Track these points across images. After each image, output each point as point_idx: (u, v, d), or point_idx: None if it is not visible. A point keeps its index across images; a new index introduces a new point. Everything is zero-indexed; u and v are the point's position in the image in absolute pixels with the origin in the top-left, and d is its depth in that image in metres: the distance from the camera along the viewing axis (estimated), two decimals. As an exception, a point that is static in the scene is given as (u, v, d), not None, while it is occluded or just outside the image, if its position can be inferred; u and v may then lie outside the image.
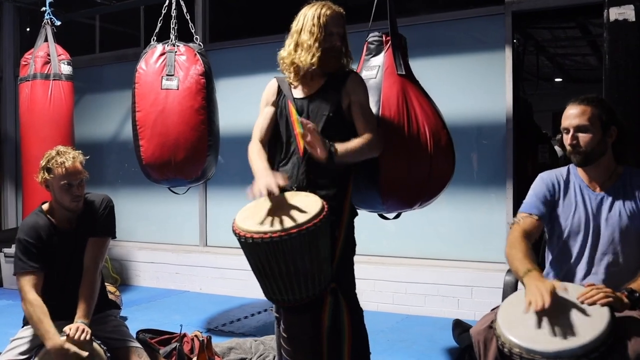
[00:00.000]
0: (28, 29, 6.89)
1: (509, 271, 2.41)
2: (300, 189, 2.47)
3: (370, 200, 2.80)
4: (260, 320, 4.49)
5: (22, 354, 2.44)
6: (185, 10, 4.02)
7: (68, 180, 2.49)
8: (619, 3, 2.74)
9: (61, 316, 2.43)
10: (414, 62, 3.01)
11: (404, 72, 2.86)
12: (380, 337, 3.94)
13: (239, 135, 4.87)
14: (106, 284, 2.83)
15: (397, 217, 3.02)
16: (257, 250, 2.25)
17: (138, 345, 2.59)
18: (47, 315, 2.39)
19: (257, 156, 2.52)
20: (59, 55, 4.56)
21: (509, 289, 2.42)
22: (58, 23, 4.61)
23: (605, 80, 2.80)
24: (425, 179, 2.79)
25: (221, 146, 4.00)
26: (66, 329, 2.35)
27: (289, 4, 2.76)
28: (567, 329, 1.82)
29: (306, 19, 2.54)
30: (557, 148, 5.95)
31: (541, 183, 2.31)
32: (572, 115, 2.18)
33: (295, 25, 2.58)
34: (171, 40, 3.86)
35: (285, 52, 2.59)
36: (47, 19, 4.57)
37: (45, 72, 4.51)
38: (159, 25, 4.01)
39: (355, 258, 2.61)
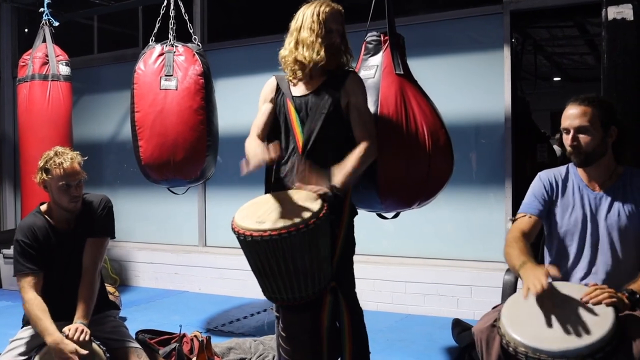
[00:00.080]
0: (26, 30, 6.88)
1: (508, 270, 2.41)
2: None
3: (369, 200, 2.80)
4: (259, 321, 4.49)
5: (21, 354, 2.44)
6: (183, 11, 4.01)
7: (66, 181, 2.49)
8: (617, 2, 2.74)
9: (60, 317, 2.43)
10: (412, 61, 3.01)
11: (402, 72, 2.87)
12: (380, 336, 3.94)
13: (238, 135, 4.83)
14: (105, 284, 2.83)
15: (395, 216, 3.02)
16: (256, 248, 2.25)
17: (137, 345, 2.59)
18: (46, 313, 2.39)
19: (253, 143, 2.53)
20: (57, 55, 4.56)
21: (508, 288, 2.42)
22: (56, 24, 4.60)
23: (603, 79, 2.80)
24: (423, 179, 2.79)
25: (220, 146, 4.00)
26: (65, 329, 2.35)
27: (288, 4, 2.76)
28: (573, 329, 1.82)
29: (305, 16, 2.55)
30: (555, 147, 5.95)
31: (539, 183, 2.32)
32: (573, 115, 2.17)
33: (295, 24, 2.58)
34: (170, 41, 3.86)
35: (286, 51, 2.60)
36: (45, 19, 4.56)
37: (44, 72, 4.50)
38: (157, 25, 4.00)
39: (355, 257, 2.61)
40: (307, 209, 2.25)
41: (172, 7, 3.98)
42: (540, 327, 1.87)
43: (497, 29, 4.45)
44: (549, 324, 1.87)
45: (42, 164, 2.53)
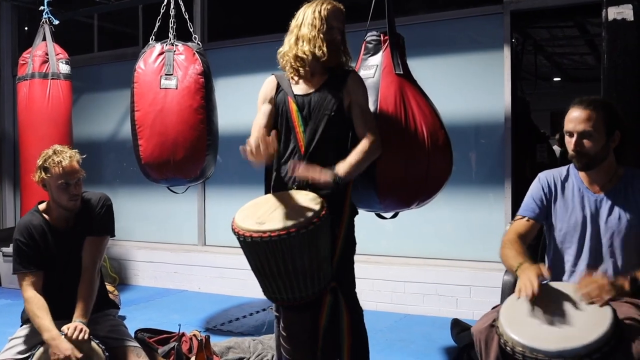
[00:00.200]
0: (26, 28, 6.88)
1: (507, 271, 2.41)
2: (300, 187, 2.47)
3: (368, 200, 2.80)
4: (258, 320, 4.49)
5: (20, 353, 2.44)
6: (183, 10, 4.01)
7: (65, 180, 2.49)
8: (617, 2, 2.74)
9: (60, 315, 2.43)
10: (411, 61, 3.01)
11: (401, 72, 2.87)
12: (379, 336, 3.94)
13: (238, 134, 4.85)
14: (105, 283, 2.83)
15: (394, 216, 3.02)
16: (256, 249, 2.25)
17: (136, 344, 2.58)
18: (44, 310, 2.40)
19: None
20: (57, 54, 4.55)
21: (508, 288, 2.42)
22: (56, 22, 4.60)
23: (603, 79, 2.80)
24: (422, 179, 2.79)
25: (220, 145, 3.99)
26: (64, 328, 2.35)
27: (288, 3, 2.76)
28: (571, 329, 1.83)
29: (306, 14, 2.56)
30: (555, 147, 5.95)
31: (538, 184, 2.32)
32: (577, 119, 2.14)
33: (295, 22, 2.59)
34: (170, 40, 3.85)
35: (286, 47, 2.60)
36: (45, 17, 4.56)
37: (44, 71, 4.50)
38: (157, 24, 4.00)
39: (355, 257, 2.61)
40: (307, 210, 2.26)
41: (172, 6, 3.97)
42: (538, 327, 1.87)
43: (497, 29, 4.45)
44: (547, 323, 1.87)
45: (40, 163, 2.52)
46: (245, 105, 4.57)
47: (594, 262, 2.18)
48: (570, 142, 2.18)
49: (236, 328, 4.26)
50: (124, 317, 4.06)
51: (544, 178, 2.32)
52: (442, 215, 4.59)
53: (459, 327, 3.65)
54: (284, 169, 2.54)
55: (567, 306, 1.92)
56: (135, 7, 5.88)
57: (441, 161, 2.85)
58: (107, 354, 2.41)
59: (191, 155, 3.71)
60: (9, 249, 5.20)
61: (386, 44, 2.91)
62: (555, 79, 9.87)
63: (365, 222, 2.85)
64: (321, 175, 2.32)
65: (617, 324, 1.84)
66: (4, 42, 6.81)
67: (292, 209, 2.27)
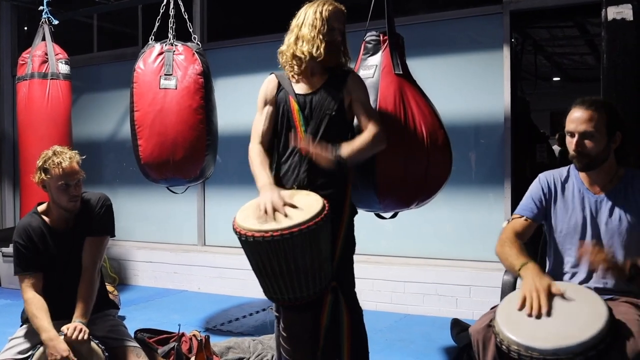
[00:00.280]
0: (26, 28, 6.87)
1: (507, 270, 2.41)
2: (301, 187, 2.47)
3: (367, 200, 2.80)
4: (258, 320, 4.49)
5: (20, 353, 2.44)
6: (183, 10, 4.01)
7: (65, 181, 2.48)
8: (617, 2, 2.74)
9: (60, 315, 2.43)
10: (411, 61, 3.01)
11: (401, 72, 2.86)
12: (379, 336, 3.94)
13: (238, 134, 4.87)
14: (105, 283, 2.83)
15: (393, 216, 3.02)
16: (258, 248, 2.25)
17: (136, 344, 2.59)
18: (43, 311, 2.40)
19: (259, 165, 2.51)
20: (57, 54, 4.55)
21: (507, 288, 2.42)
22: (56, 22, 4.60)
23: (603, 79, 2.80)
24: (422, 179, 2.79)
25: (220, 145, 3.99)
26: (64, 328, 2.35)
27: (288, 3, 2.76)
28: (566, 327, 1.83)
29: (307, 14, 2.55)
30: (555, 147, 5.95)
31: (537, 185, 2.32)
32: (579, 120, 2.14)
33: (296, 21, 2.58)
34: (169, 40, 3.85)
35: (284, 46, 2.59)
36: (44, 17, 4.56)
37: (43, 71, 4.50)
38: (157, 24, 4.00)
39: (354, 257, 2.61)
40: (308, 209, 2.25)
41: (171, 6, 3.97)
42: (533, 326, 1.88)
43: (497, 29, 4.45)
44: (543, 322, 1.88)
45: (40, 164, 2.52)
46: (244, 105, 4.58)
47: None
48: (571, 143, 2.17)
49: (236, 328, 4.26)
50: (123, 317, 4.06)
51: (544, 179, 2.32)
52: (442, 215, 4.59)
53: (458, 327, 3.65)
54: (283, 169, 2.54)
55: (563, 305, 1.92)
56: (135, 7, 5.88)
57: (441, 161, 2.85)
58: (106, 354, 2.42)
59: (190, 156, 3.71)
60: (9, 249, 5.20)
61: (386, 44, 2.91)
62: (555, 79, 9.86)
63: (365, 222, 2.85)
64: (324, 151, 2.32)
65: (613, 323, 1.85)
66: (4, 42, 6.81)
67: (294, 209, 2.26)
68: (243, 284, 5.08)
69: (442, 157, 2.86)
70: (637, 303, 2.07)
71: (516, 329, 1.88)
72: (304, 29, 2.53)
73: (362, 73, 2.85)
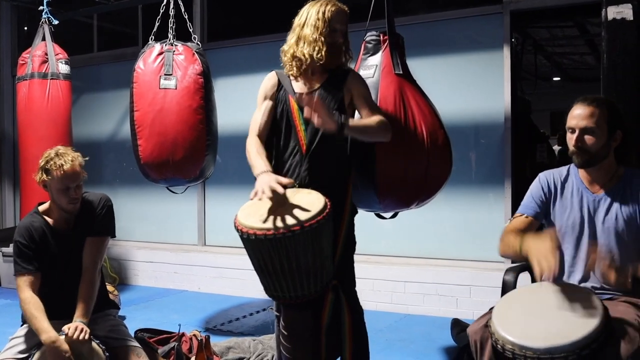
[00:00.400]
0: (26, 28, 6.88)
1: (507, 270, 2.41)
2: (302, 186, 2.47)
3: (367, 200, 2.80)
4: (258, 320, 4.49)
5: (20, 352, 2.44)
6: (183, 10, 4.01)
7: (66, 184, 2.48)
8: (617, 2, 2.74)
9: (60, 315, 2.43)
10: (411, 61, 3.01)
11: (401, 72, 2.86)
12: (379, 336, 3.94)
13: (238, 134, 4.85)
14: (105, 283, 2.83)
15: (394, 216, 3.02)
16: (259, 246, 2.24)
17: (137, 344, 2.59)
18: (41, 311, 2.39)
19: (255, 153, 2.48)
20: (57, 54, 4.55)
21: (508, 288, 2.42)
22: (56, 22, 4.60)
23: (603, 79, 2.80)
24: (422, 179, 2.79)
25: (219, 145, 3.99)
26: (65, 328, 2.35)
27: (288, 3, 2.75)
28: (560, 326, 1.84)
29: (310, 14, 2.52)
30: (555, 148, 5.95)
31: (538, 184, 2.33)
32: (580, 115, 2.15)
33: (298, 20, 2.56)
34: (169, 40, 3.85)
35: (286, 46, 2.59)
36: (44, 17, 4.56)
37: (43, 71, 4.50)
38: (157, 24, 4.00)
39: (355, 257, 2.61)
40: (311, 207, 2.25)
41: (171, 6, 3.97)
42: (528, 325, 1.89)
43: (497, 29, 4.45)
44: (538, 322, 1.90)
45: (42, 164, 2.51)
46: (244, 105, 4.57)
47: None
48: (571, 139, 2.18)
49: (236, 328, 4.26)
50: (124, 317, 4.06)
51: (544, 178, 2.33)
52: (442, 215, 4.59)
53: (459, 327, 3.66)
54: (284, 168, 2.53)
55: (558, 304, 1.94)
56: (135, 7, 5.88)
57: (441, 161, 2.85)
58: (107, 354, 2.42)
59: (190, 156, 3.71)
60: (9, 249, 5.20)
61: (386, 44, 2.91)
62: (555, 79, 9.87)
63: (365, 222, 2.85)
64: (330, 122, 2.28)
65: (608, 322, 1.85)
66: (4, 42, 6.81)
67: (296, 207, 2.26)
68: (243, 284, 5.08)
69: (442, 157, 2.86)
70: (636, 303, 2.07)
71: (511, 328, 1.89)
72: (306, 30, 2.51)
73: (362, 73, 2.85)
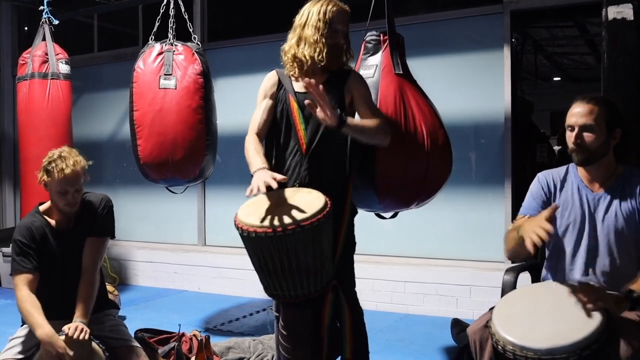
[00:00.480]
0: (26, 28, 6.88)
1: (507, 270, 2.41)
2: (302, 186, 2.46)
3: (367, 200, 2.80)
4: (258, 320, 4.49)
5: (20, 352, 2.44)
6: (183, 10, 4.01)
7: (65, 187, 2.47)
8: (617, 2, 2.74)
9: (60, 315, 2.43)
10: (411, 61, 3.01)
11: (401, 72, 2.86)
12: (379, 336, 3.94)
13: (237, 134, 4.83)
14: (105, 283, 2.83)
15: (394, 216, 3.02)
16: (259, 244, 2.24)
17: (137, 344, 2.59)
18: (37, 308, 2.39)
19: (254, 151, 2.48)
20: (57, 54, 4.55)
21: (508, 288, 2.42)
22: (56, 22, 4.60)
23: (603, 79, 2.80)
24: (422, 179, 2.79)
25: (219, 145, 3.99)
26: (65, 328, 2.35)
27: (288, 3, 2.75)
28: (561, 327, 1.84)
29: (311, 13, 2.51)
30: (555, 148, 5.95)
31: (537, 184, 2.33)
32: (579, 113, 2.16)
33: (299, 19, 2.54)
34: (169, 40, 3.85)
35: (287, 46, 2.58)
36: (45, 17, 4.56)
37: (43, 71, 4.50)
38: (157, 24, 4.00)
39: (355, 257, 2.61)
40: (311, 206, 2.25)
41: (172, 6, 3.97)
42: (529, 326, 1.89)
43: (497, 29, 4.45)
44: (539, 322, 1.89)
45: (45, 164, 2.51)
46: (244, 105, 4.57)
47: (591, 260, 2.18)
48: (570, 136, 2.19)
49: (236, 328, 4.26)
50: (124, 317, 4.05)
51: (542, 178, 2.33)
52: (442, 215, 4.59)
53: (459, 327, 3.66)
54: (284, 168, 2.53)
55: (559, 305, 1.93)
56: (135, 7, 5.88)
57: (441, 161, 2.85)
58: (107, 354, 2.42)
59: (190, 156, 3.71)
60: (9, 249, 5.19)
61: (386, 43, 2.91)
62: (555, 79, 9.88)
63: (365, 222, 2.85)
64: (331, 115, 2.28)
65: (609, 322, 1.85)
66: (4, 42, 6.81)
67: (296, 206, 2.26)
68: (243, 284, 5.08)
69: (442, 157, 2.86)
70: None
71: (511, 329, 1.89)
72: (307, 30, 2.49)
73: (363, 73, 2.85)
